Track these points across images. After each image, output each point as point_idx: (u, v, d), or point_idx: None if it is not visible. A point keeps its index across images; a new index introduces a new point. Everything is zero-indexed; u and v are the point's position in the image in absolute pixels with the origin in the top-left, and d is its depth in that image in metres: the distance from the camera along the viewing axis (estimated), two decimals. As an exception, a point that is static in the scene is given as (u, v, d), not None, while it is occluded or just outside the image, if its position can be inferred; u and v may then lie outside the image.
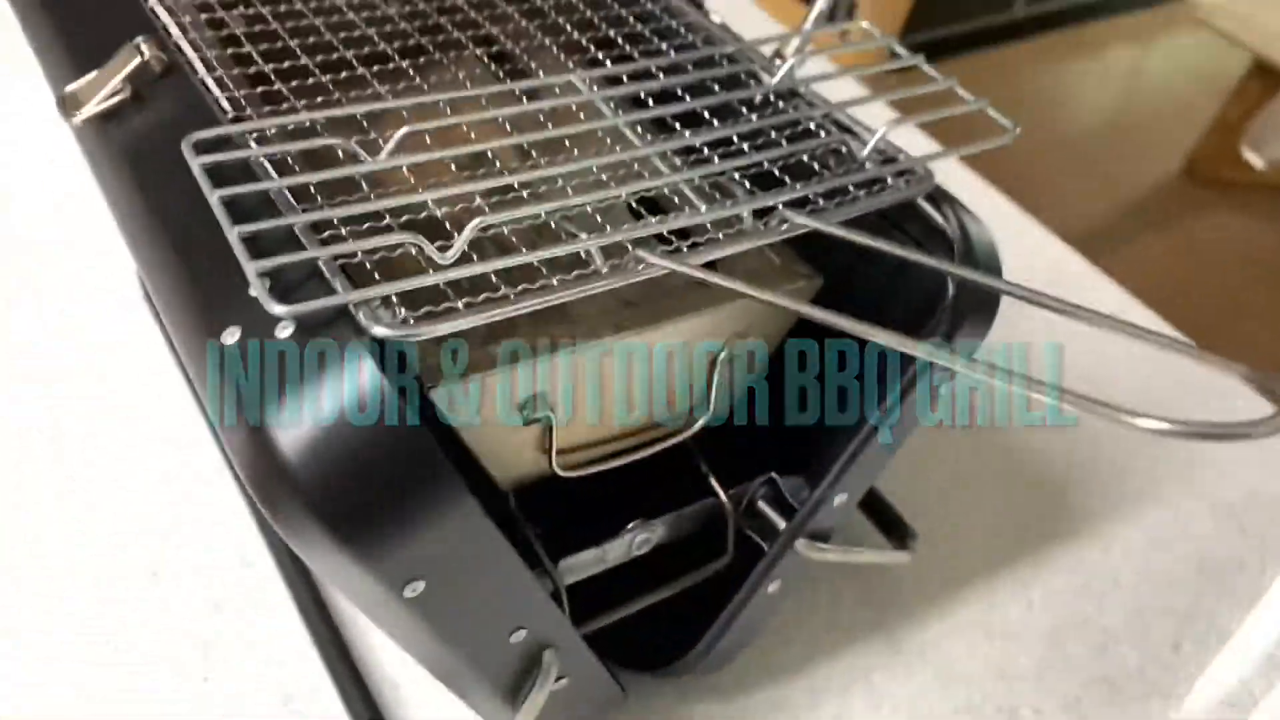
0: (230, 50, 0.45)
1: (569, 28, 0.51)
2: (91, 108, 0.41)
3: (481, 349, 0.38)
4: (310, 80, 0.44)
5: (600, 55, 0.48)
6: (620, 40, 0.50)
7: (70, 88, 0.42)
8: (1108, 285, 0.80)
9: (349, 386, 0.31)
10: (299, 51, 0.46)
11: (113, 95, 0.41)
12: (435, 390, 0.37)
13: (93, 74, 0.42)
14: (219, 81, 0.42)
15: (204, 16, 0.48)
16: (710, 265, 0.42)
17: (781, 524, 0.47)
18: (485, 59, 0.51)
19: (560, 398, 0.40)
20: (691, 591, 0.49)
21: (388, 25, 0.50)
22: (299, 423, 0.31)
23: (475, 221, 0.35)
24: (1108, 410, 0.27)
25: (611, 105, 0.44)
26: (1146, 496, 0.64)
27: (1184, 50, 3.04)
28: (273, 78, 0.44)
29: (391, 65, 0.47)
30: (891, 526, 0.56)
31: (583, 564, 0.44)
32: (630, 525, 0.46)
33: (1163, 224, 2.40)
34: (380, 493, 0.32)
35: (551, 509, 0.45)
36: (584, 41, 0.50)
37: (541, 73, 0.45)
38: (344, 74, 0.45)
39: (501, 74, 0.49)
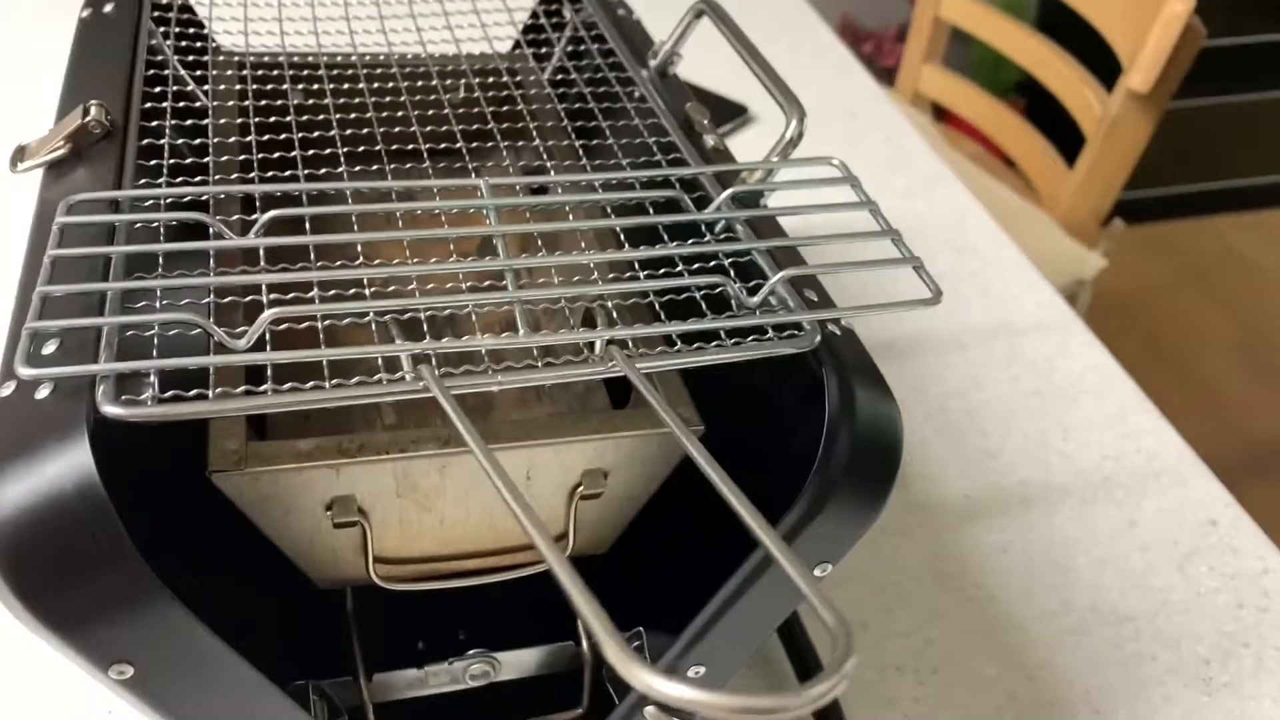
0: (192, 122, 0.48)
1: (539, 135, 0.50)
2: (33, 161, 0.44)
3: (286, 442, 0.38)
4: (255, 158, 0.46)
5: (549, 165, 0.47)
6: (583, 155, 0.48)
7: (27, 142, 0.45)
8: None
9: (59, 463, 0.31)
10: (251, 133, 0.47)
11: (54, 151, 0.44)
12: (216, 475, 0.36)
13: (47, 130, 0.45)
14: (149, 149, 0.44)
15: (202, 88, 0.51)
16: (620, 398, 0.40)
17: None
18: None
19: (373, 506, 0.39)
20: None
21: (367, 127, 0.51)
22: (10, 488, 0.31)
23: (270, 313, 0.35)
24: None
25: (526, 214, 0.43)
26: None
27: None
28: (207, 150, 0.45)
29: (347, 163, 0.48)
30: (808, 672, 0.50)
31: (399, 684, 0.42)
32: (470, 653, 0.43)
33: None
34: (68, 576, 0.31)
35: (399, 616, 0.44)
36: (543, 153, 0.49)
37: (473, 173, 0.45)
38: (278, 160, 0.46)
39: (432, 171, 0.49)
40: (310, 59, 0.54)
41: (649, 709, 0.42)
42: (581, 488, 0.41)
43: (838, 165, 0.47)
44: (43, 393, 0.33)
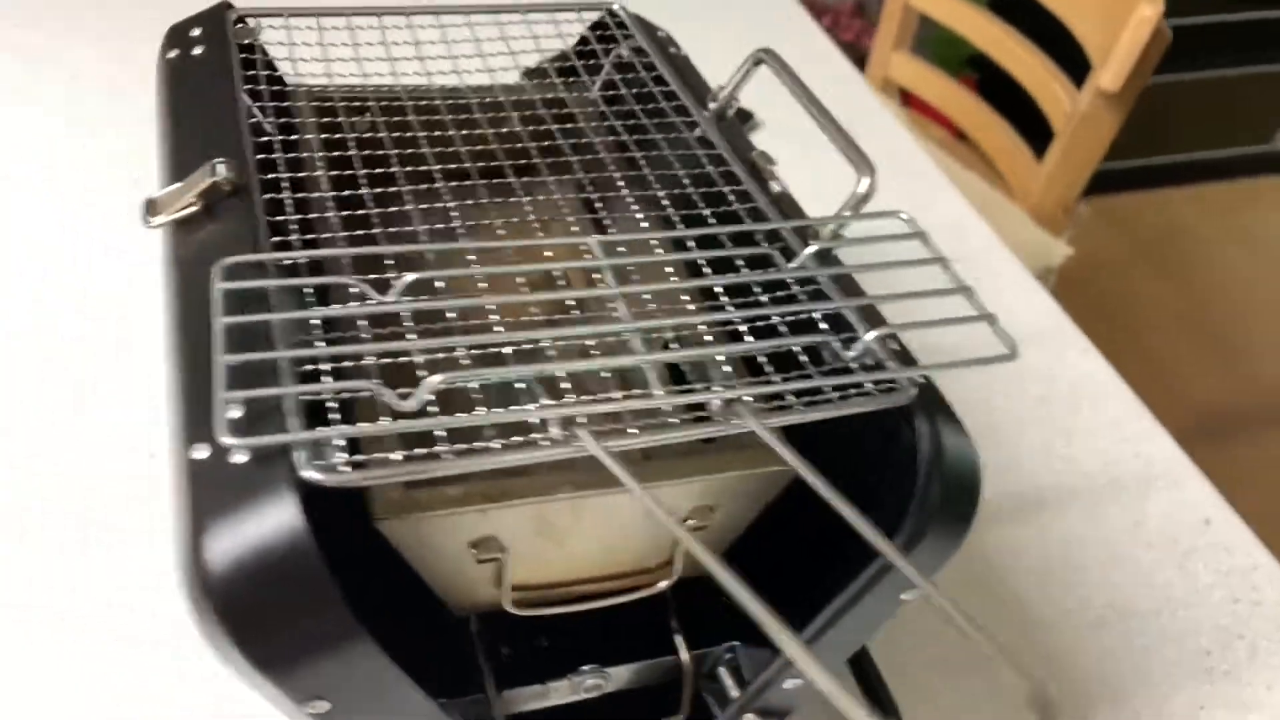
0: (305, 173, 0.50)
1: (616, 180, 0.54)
2: (166, 216, 0.47)
3: (437, 489, 0.41)
4: (374, 209, 0.49)
5: (640, 215, 0.51)
6: (666, 202, 0.52)
7: (155, 194, 0.48)
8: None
9: (270, 521, 0.35)
10: (361, 181, 0.50)
11: (187, 207, 0.47)
12: (382, 523, 0.40)
13: (176, 185, 0.48)
14: (276, 205, 0.47)
15: (292, 137, 0.54)
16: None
17: (734, 694, 0.47)
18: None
19: (512, 543, 0.43)
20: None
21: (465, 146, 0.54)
22: (224, 544, 0.35)
23: (435, 379, 0.38)
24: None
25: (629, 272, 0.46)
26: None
27: None
28: (329, 205, 0.48)
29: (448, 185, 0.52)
30: (877, 701, 0.55)
31: (525, 698, 0.46)
32: (584, 668, 0.47)
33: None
34: (280, 622, 0.35)
35: (520, 637, 0.48)
36: (626, 197, 0.52)
37: (583, 229, 0.48)
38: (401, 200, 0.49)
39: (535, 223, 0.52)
40: (396, 95, 0.57)
41: (748, 717, 0.47)
42: (690, 521, 0.45)
43: (907, 220, 0.51)
44: (239, 457, 0.36)
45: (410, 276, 0.43)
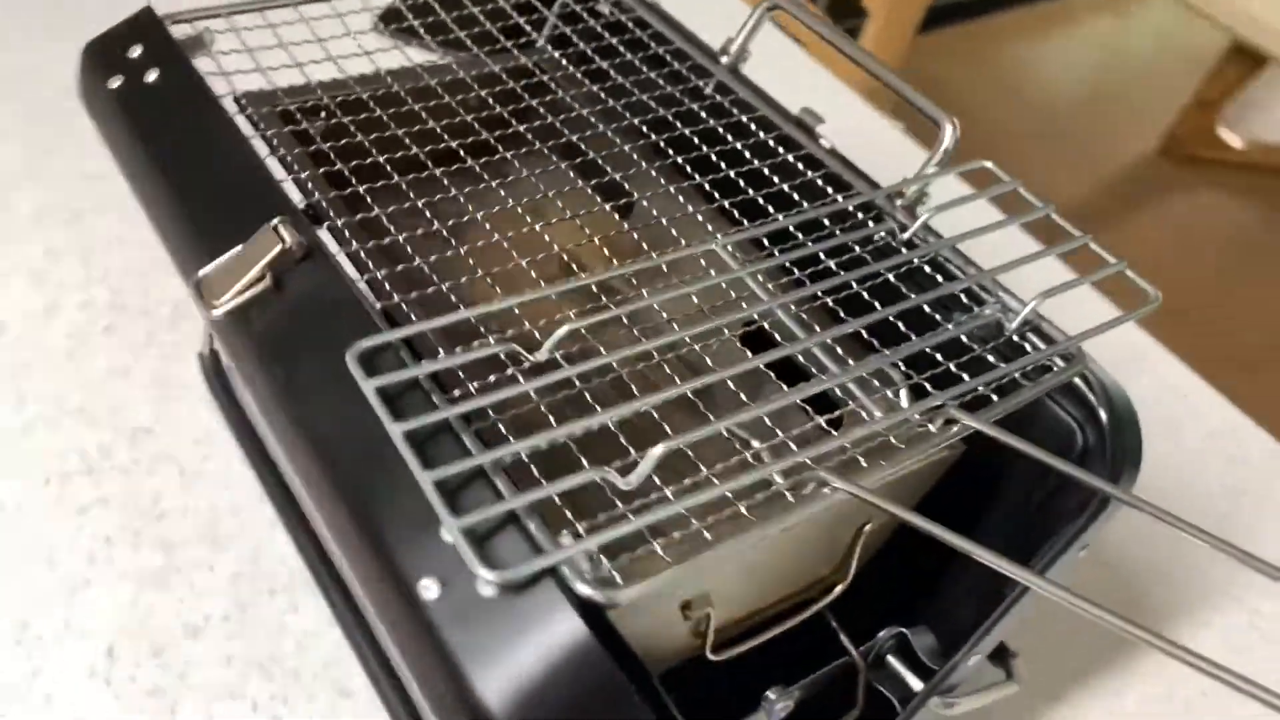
0: (360, 214, 0.43)
1: (678, 159, 0.49)
2: (232, 299, 0.39)
3: (647, 557, 0.38)
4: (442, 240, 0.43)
5: (726, 203, 0.47)
6: (740, 180, 0.48)
7: (204, 272, 0.40)
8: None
9: (562, 651, 0.31)
10: (429, 213, 0.44)
11: (253, 284, 0.39)
12: (611, 610, 0.36)
13: (226, 257, 0.40)
14: (355, 258, 0.41)
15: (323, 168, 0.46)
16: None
17: (915, 685, 0.47)
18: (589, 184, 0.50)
19: (719, 590, 0.40)
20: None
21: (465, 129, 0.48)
22: (507, 681, 0.31)
23: (658, 448, 0.34)
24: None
25: (760, 278, 0.43)
26: (1227, 597, 0.65)
27: (1165, 22, 3.02)
28: (410, 251, 0.42)
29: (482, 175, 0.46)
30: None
31: (730, 740, 0.44)
32: (770, 695, 0.45)
33: (1140, 202, 2.41)
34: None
35: (702, 681, 0.45)
36: (696, 176, 0.48)
37: (683, 241, 0.44)
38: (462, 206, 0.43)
39: (637, 237, 0.47)
40: (389, 88, 0.50)
41: (933, 700, 0.46)
42: (870, 524, 0.44)
43: (992, 168, 0.50)
44: (487, 590, 0.32)
45: (564, 329, 0.38)
